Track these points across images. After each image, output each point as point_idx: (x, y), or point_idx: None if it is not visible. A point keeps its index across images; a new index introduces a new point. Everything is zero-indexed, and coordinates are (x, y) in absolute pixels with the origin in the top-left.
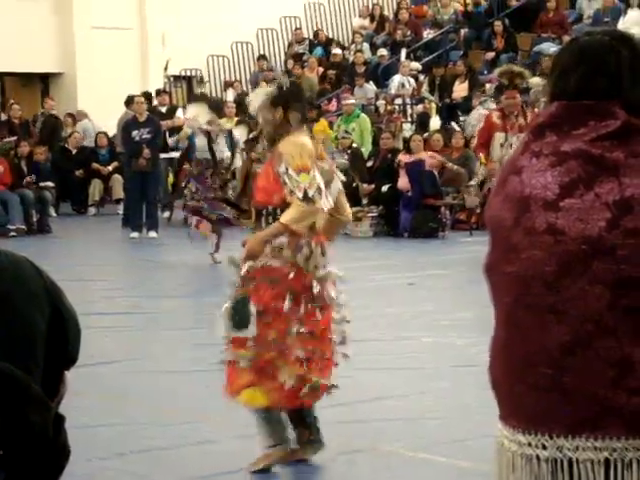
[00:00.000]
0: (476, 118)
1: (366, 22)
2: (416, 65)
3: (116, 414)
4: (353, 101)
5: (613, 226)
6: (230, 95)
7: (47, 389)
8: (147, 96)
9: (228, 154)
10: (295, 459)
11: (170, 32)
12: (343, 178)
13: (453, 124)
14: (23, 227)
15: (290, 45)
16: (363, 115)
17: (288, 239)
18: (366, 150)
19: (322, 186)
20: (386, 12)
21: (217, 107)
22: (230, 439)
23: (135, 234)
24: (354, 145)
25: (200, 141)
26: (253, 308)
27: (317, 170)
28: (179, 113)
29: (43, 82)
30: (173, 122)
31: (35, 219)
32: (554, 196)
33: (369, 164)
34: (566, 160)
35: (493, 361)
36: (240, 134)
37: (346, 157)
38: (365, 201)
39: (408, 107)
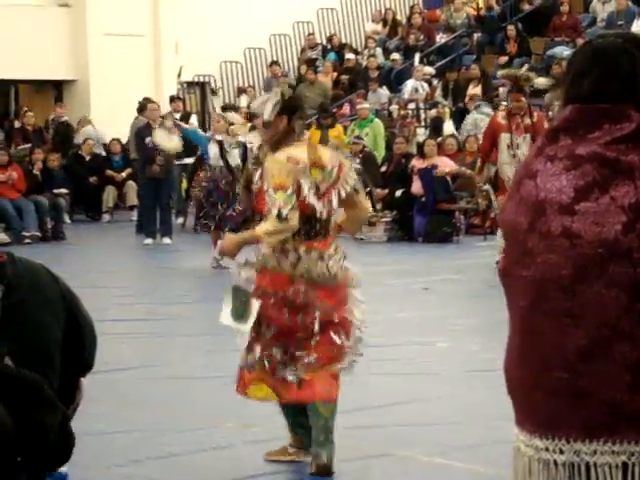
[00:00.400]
0: (471, 123)
1: (379, 27)
2: (429, 69)
3: (132, 421)
4: (367, 106)
5: (629, 229)
6: (243, 101)
7: (63, 396)
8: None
9: (239, 162)
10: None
11: (183, 39)
12: (355, 177)
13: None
14: (37, 234)
15: (303, 50)
16: (377, 120)
17: (274, 246)
18: (380, 155)
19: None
20: (399, 17)
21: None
22: (245, 445)
23: (149, 240)
24: (366, 149)
25: (213, 149)
26: (254, 302)
27: (307, 181)
28: (193, 119)
29: (56, 89)
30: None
31: (49, 226)
32: (569, 200)
33: (383, 169)
34: (581, 164)
35: (509, 365)
36: (253, 139)
37: (357, 162)
38: (379, 206)
39: (422, 112)
